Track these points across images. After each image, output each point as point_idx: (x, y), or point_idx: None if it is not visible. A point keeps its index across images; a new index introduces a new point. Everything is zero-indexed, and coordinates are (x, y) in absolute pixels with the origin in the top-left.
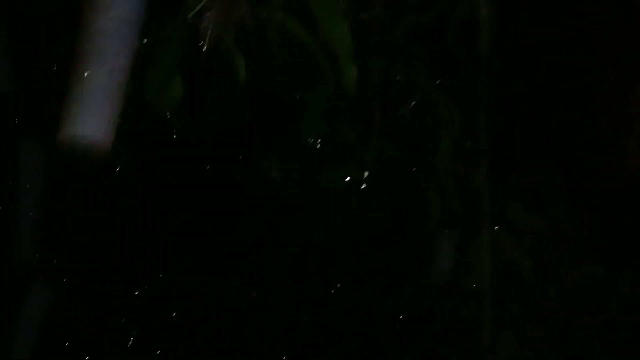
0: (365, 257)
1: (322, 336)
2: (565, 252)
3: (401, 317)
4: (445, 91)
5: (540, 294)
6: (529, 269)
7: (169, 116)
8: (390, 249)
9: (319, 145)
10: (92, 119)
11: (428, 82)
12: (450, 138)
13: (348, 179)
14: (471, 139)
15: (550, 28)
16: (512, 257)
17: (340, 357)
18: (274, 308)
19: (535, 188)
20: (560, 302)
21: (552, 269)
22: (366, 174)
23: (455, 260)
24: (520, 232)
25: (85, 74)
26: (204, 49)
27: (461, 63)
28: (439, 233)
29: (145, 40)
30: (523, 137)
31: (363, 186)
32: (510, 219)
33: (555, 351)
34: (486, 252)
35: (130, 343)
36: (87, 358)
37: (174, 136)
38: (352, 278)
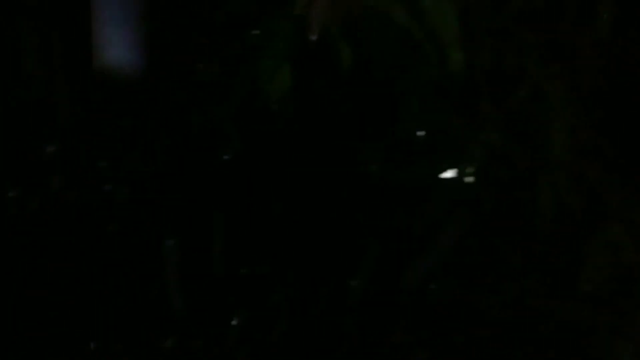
0: (469, 253)
1: (422, 331)
2: None
3: (506, 317)
4: (559, 79)
5: None
6: None
7: (275, 105)
8: (497, 246)
9: (422, 136)
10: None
11: (540, 70)
12: (564, 130)
13: (453, 172)
14: (588, 131)
15: None
16: (634, 260)
17: (442, 355)
18: (373, 302)
19: None
20: None
21: None
22: (472, 167)
23: (568, 262)
24: None
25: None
26: (312, 39)
27: (577, 49)
28: (551, 232)
29: (256, 32)
30: None
31: (469, 180)
32: (631, 218)
33: None
34: (603, 254)
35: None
36: None
37: (279, 125)
38: (455, 275)
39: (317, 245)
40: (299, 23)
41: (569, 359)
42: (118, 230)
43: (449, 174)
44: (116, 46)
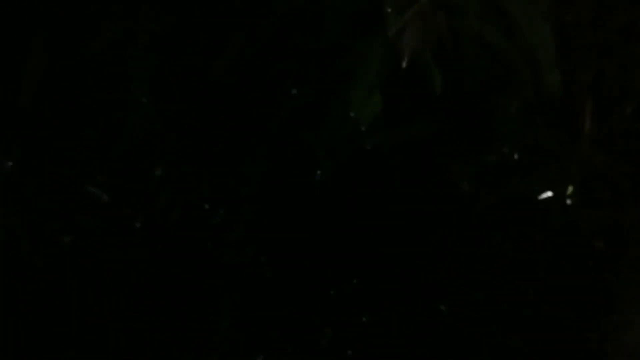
0: (567, 279)
1: (507, 354)
2: None
3: (609, 348)
4: None
5: None
6: None
7: (364, 129)
8: (599, 271)
9: (516, 156)
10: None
11: None
12: None
13: (550, 193)
14: None
15: None
16: None
17: None
18: (462, 321)
19: None
20: None
21: None
22: (571, 187)
23: None
24: None
25: None
26: (404, 64)
27: None
28: None
29: (350, 58)
30: None
31: (568, 201)
32: None
33: None
34: None
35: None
36: None
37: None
38: (548, 301)
39: (409, 266)
40: (391, 48)
41: None
42: (214, 250)
43: (546, 194)
44: None
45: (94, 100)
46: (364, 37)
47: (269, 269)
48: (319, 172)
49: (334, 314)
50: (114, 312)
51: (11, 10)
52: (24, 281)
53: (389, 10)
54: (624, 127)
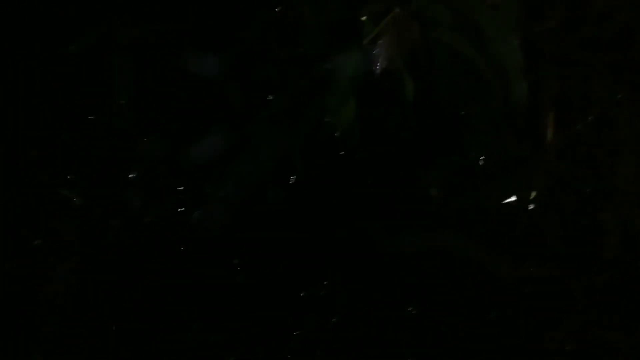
0: (529, 282)
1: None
2: None
3: (569, 348)
4: (628, 106)
5: None
6: None
7: (338, 135)
8: (559, 276)
9: (482, 162)
10: None
11: (608, 97)
12: (633, 158)
13: (514, 198)
14: None
15: None
16: None
17: None
18: (430, 323)
19: None
20: None
21: None
22: (534, 193)
23: (632, 294)
24: None
25: None
26: (377, 72)
27: None
28: (618, 263)
29: (325, 66)
30: None
31: (531, 207)
32: None
33: None
34: None
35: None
36: None
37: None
38: (516, 304)
39: (378, 269)
40: (366, 56)
41: None
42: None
43: (511, 199)
44: None
45: (70, 103)
46: (339, 45)
47: (242, 270)
48: (293, 176)
49: (305, 315)
50: (86, 315)
51: None
52: None
53: (364, 19)
54: (586, 136)
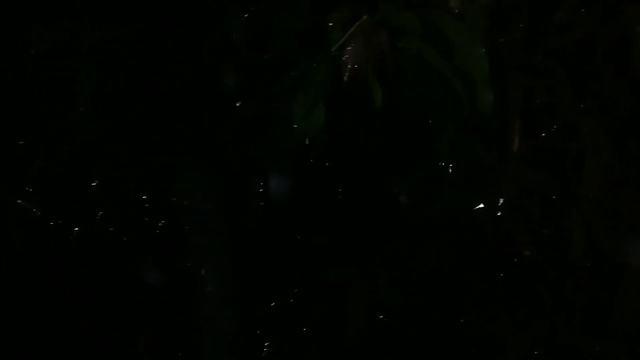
0: (498, 287)
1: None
2: None
3: (537, 352)
4: (591, 115)
5: None
6: None
7: (308, 142)
8: (527, 280)
9: (450, 170)
10: None
11: (572, 105)
12: (596, 165)
13: (482, 205)
14: (621, 167)
15: None
16: None
17: None
18: (401, 336)
19: None
20: None
21: None
22: (502, 200)
23: (597, 299)
24: None
25: None
26: (345, 79)
27: (610, 84)
28: (582, 267)
29: (294, 73)
30: None
31: (498, 213)
32: None
33: None
34: (635, 291)
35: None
36: None
37: (311, 160)
38: (484, 309)
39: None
40: (334, 64)
41: None
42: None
43: (478, 206)
44: None
45: (29, 108)
46: (308, 52)
47: (209, 279)
48: (261, 182)
49: (275, 324)
50: (44, 325)
51: None
52: None
53: (331, 26)
54: (551, 144)
